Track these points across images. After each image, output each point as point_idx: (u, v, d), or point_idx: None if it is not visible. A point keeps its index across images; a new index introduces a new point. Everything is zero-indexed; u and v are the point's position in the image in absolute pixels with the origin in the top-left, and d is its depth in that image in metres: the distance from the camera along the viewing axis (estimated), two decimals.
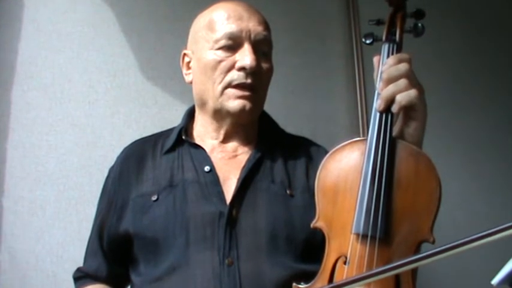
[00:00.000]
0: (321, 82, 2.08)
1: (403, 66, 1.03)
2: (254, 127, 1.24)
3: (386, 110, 1.03)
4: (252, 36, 1.15)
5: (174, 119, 1.28)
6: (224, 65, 1.15)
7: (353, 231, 0.98)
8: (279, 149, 1.21)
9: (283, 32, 1.99)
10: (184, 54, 1.25)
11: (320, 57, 2.09)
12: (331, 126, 2.03)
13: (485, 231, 0.65)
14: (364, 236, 0.96)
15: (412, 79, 1.03)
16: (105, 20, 1.85)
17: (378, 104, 1.04)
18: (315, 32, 2.10)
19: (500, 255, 0.78)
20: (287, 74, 2.00)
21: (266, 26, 1.19)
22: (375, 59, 1.10)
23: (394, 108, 1.02)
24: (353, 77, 2.07)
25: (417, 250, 0.98)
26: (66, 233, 1.70)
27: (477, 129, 2.20)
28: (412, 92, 1.01)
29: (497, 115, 2.23)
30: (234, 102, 1.15)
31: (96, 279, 1.22)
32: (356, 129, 2.00)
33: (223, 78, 1.15)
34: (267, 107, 1.29)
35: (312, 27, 2.10)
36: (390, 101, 1.03)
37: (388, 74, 1.03)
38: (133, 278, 1.18)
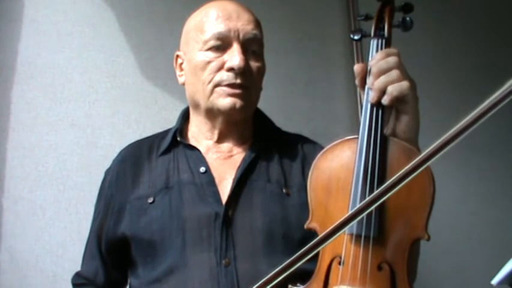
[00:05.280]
0: (321, 82, 2.08)
1: (392, 59, 1.02)
2: (249, 126, 1.24)
3: (378, 102, 1.02)
4: (241, 35, 1.15)
5: (174, 119, 1.28)
6: (213, 65, 1.15)
7: (346, 232, 0.97)
8: (275, 147, 1.21)
9: (283, 32, 1.99)
10: (177, 55, 1.25)
11: (320, 57, 2.09)
12: (331, 126, 2.03)
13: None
14: (358, 236, 0.96)
15: (403, 71, 1.02)
16: (105, 20, 1.85)
17: (370, 96, 1.03)
18: (315, 32, 2.10)
19: (500, 255, 0.78)
20: (287, 74, 2.00)
21: (256, 25, 1.19)
22: (356, 67, 1.07)
23: (386, 100, 1.01)
24: (353, 77, 2.06)
25: (412, 248, 0.98)
26: (66, 233, 1.70)
27: (476, 129, 2.20)
28: (404, 83, 1.00)
29: (496, 115, 2.22)
30: (224, 100, 1.14)
31: (95, 285, 1.23)
32: (356, 129, 2.00)
33: (212, 78, 1.15)
34: (267, 107, 1.28)
35: (312, 28, 2.10)
36: (382, 92, 1.01)
37: (377, 68, 1.02)
38: (132, 280, 1.19)
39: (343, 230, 0.73)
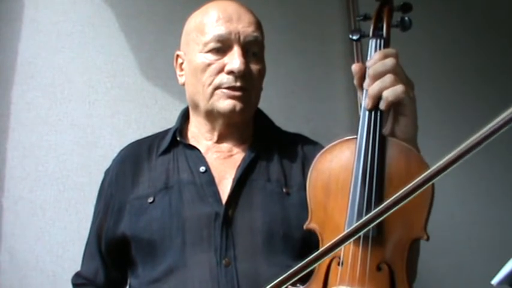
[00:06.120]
0: (321, 82, 2.08)
1: (389, 61, 1.01)
2: (249, 126, 1.23)
3: (374, 108, 1.02)
4: (242, 38, 1.14)
5: (174, 119, 1.29)
6: (214, 68, 1.15)
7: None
8: (275, 147, 1.21)
9: (283, 32, 1.99)
10: (178, 55, 1.25)
11: (320, 57, 2.09)
12: (331, 126, 2.03)
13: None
14: (357, 237, 0.95)
15: (399, 74, 1.01)
16: (105, 20, 1.85)
17: (365, 102, 1.03)
18: (315, 32, 2.10)
19: (500, 255, 0.78)
20: (287, 74, 2.00)
21: (257, 27, 1.18)
22: (354, 66, 1.07)
23: (382, 106, 1.01)
24: (353, 77, 2.07)
25: (411, 248, 0.98)
26: (66, 233, 1.70)
27: (475, 129, 2.20)
28: (398, 88, 0.99)
29: (495, 115, 2.22)
30: (224, 102, 1.14)
31: (95, 285, 1.23)
32: (356, 130, 2.00)
33: (212, 81, 1.15)
34: (267, 107, 1.28)
35: (312, 28, 2.10)
36: (377, 98, 1.01)
37: (374, 70, 1.01)
38: (132, 280, 1.19)
39: (343, 245, 0.72)
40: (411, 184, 0.63)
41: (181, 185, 1.15)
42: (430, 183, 0.63)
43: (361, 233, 0.76)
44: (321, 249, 0.69)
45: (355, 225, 0.68)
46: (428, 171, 0.62)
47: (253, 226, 1.10)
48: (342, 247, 0.97)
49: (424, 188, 0.63)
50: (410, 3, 1.12)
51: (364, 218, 0.67)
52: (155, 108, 1.86)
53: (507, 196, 2.17)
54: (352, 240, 0.73)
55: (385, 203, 0.65)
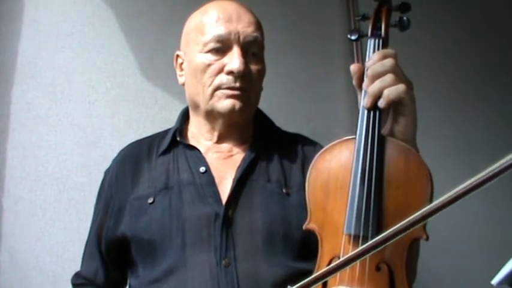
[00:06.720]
0: (321, 82, 2.08)
1: (388, 62, 1.01)
2: (249, 127, 1.23)
3: (374, 106, 1.02)
4: (241, 38, 1.15)
5: (174, 119, 1.29)
6: (213, 68, 1.15)
7: (345, 232, 0.97)
8: (275, 147, 1.21)
9: (283, 32, 1.99)
10: (178, 55, 1.25)
11: (320, 57, 2.09)
12: (331, 126, 2.02)
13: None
14: (356, 237, 0.95)
15: (399, 74, 1.01)
16: (105, 20, 1.85)
17: (365, 101, 1.03)
18: (315, 32, 2.10)
19: (500, 255, 0.78)
20: (287, 74, 2.00)
21: (257, 27, 1.18)
22: (352, 67, 1.07)
23: (382, 103, 1.00)
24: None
25: (410, 248, 0.97)
26: (66, 233, 1.70)
27: (475, 129, 2.20)
28: (400, 87, 0.99)
29: (495, 115, 2.22)
30: (223, 102, 1.14)
31: (94, 285, 1.23)
32: (356, 129, 2.00)
33: (212, 82, 1.15)
34: (267, 107, 1.28)
35: (312, 28, 2.10)
36: (377, 97, 1.01)
37: (373, 71, 1.01)
38: (132, 280, 1.19)
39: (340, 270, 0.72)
40: (410, 218, 0.63)
41: (181, 185, 1.15)
42: (428, 219, 0.63)
43: (358, 261, 0.76)
44: (317, 274, 0.70)
45: (351, 253, 0.68)
46: (427, 207, 0.62)
47: (253, 226, 1.10)
48: (341, 249, 0.97)
49: (422, 223, 0.63)
50: (409, 3, 1.12)
51: (365, 244, 0.68)
52: (155, 108, 1.86)
53: (507, 196, 2.17)
54: (350, 263, 0.73)
55: (386, 232, 0.66)
